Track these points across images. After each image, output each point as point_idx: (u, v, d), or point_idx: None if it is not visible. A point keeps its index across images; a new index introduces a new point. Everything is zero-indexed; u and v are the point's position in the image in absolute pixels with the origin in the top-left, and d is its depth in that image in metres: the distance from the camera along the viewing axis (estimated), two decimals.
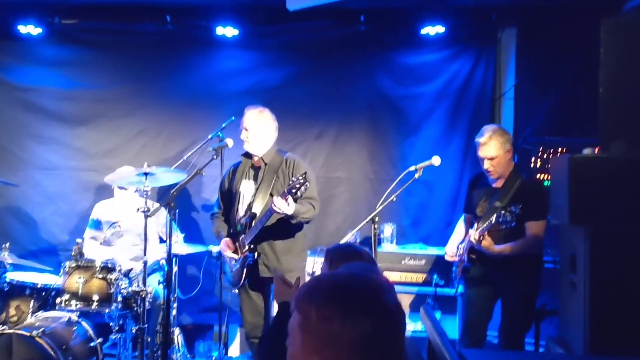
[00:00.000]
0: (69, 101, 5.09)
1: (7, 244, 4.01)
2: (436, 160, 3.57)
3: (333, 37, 4.93)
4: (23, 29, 4.85)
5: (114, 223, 4.27)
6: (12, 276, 4.00)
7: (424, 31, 4.80)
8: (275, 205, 3.35)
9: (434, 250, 4.51)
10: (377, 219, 3.56)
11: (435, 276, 4.24)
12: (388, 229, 4.70)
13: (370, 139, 5.03)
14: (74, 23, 4.91)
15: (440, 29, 4.78)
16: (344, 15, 4.76)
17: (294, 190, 3.29)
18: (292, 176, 3.51)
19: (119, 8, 4.82)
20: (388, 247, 4.63)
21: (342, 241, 3.65)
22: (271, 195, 3.61)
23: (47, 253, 4.95)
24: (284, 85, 4.97)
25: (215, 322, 4.34)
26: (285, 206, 3.35)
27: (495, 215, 3.37)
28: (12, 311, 3.93)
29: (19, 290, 3.96)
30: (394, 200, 3.54)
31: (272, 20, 4.84)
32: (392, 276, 4.36)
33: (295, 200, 3.39)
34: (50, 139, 5.09)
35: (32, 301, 3.95)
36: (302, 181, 3.26)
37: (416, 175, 3.53)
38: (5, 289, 3.95)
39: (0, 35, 4.96)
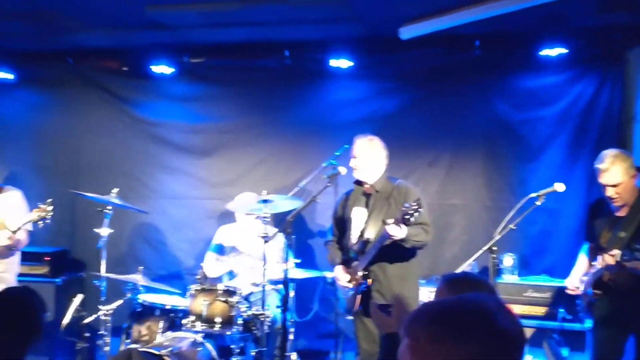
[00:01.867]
0: (195, 134, 5.45)
1: (141, 268, 4.32)
2: (560, 187, 3.39)
3: (447, 64, 4.89)
4: (156, 68, 5.27)
5: (234, 247, 4.47)
6: (144, 298, 4.28)
7: (542, 53, 4.63)
8: (388, 232, 3.35)
9: (558, 282, 4.25)
10: (495, 248, 3.42)
11: (561, 310, 3.99)
12: (508, 259, 4.51)
13: (487, 165, 4.89)
14: (201, 61, 5.26)
15: (560, 50, 4.58)
16: (458, 41, 4.71)
17: (407, 217, 3.27)
18: (404, 203, 3.49)
19: (242, 46, 5.11)
20: (508, 278, 4.44)
21: (458, 271, 3.54)
22: (383, 222, 3.62)
23: (175, 277, 5.26)
24: (397, 114, 5.00)
25: (332, 348, 4.36)
26: (398, 232, 3.34)
27: (619, 253, 3.14)
28: (143, 330, 4.20)
29: (150, 311, 4.22)
30: (513, 228, 3.39)
31: (386, 50, 4.89)
32: (512, 309, 4.15)
33: (408, 226, 3.37)
34: (178, 169, 5.46)
35: (162, 321, 4.19)
36: (415, 207, 3.24)
37: (537, 203, 3.36)
38: (138, 310, 4.24)
39: (135, 74, 5.44)
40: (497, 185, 4.86)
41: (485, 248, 3.43)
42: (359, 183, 3.90)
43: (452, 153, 4.97)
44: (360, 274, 3.66)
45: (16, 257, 4.14)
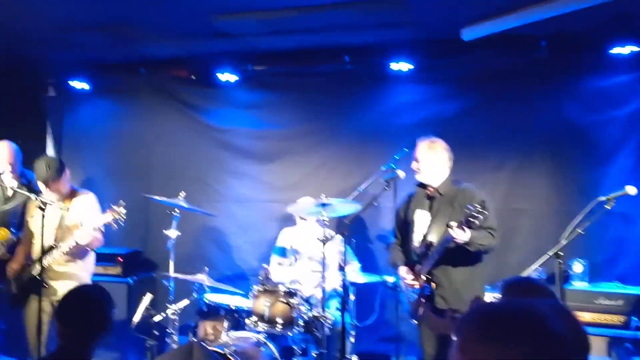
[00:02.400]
0: (259, 140, 5.59)
1: (207, 269, 4.46)
2: (631, 190, 3.24)
3: (511, 65, 4.79)
4: (222, 76, 5.45)
5: (295, 250, 4.54)
6: (210, 297, 4.43)
7: (613, 52, 4.45)
8: (452, 234, 3.31)
9: (633, 290, 4.06)
10: (562, 253, 3.31)
11: (634, 318, 3.81)
12: (578, 266, 4.35)
13: (554, 169, 4.75)
14: (264, 69, 5.40)
15: (632, 48, 4.39)
16: (522, 42, 4.60)
17: (471, 219, 3.22)
18: (467, 206, 3.45)
19: (302, 52, 5.20)
20: (578, 284, 4.28)
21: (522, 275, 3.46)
22: (447, 226, 3.57)
23: (239, 277, 5.41)
24: (459, 116, 4.93)
25: (393, 352, 4.35)
26: (462, 235, 3.29)
27: None
28: (209, 329, 4.33)
29: (215, 311, 4.35)
30: (581, 233, 3.28)
31: (447, 52, 4.84)
32: (582, 317, 4.00)
33: (472, 230, 3.32)
34: (243, 174, 5.62)
35: (226, 321, 4.32)
36: (480, 209, 3.19)
37: (607, 207, 3.24)
38: (204, 309, 4.38)
39: (202, 83, 5.64)
40: (566, 189, 4.70)
41: (550, 253, 3.33)
42: (422, 186, 3.88)
43: (518, 156, 4.85)
44: (423, 277, 3.64)
45: (91, 258, 4.36)
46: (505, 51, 4.70)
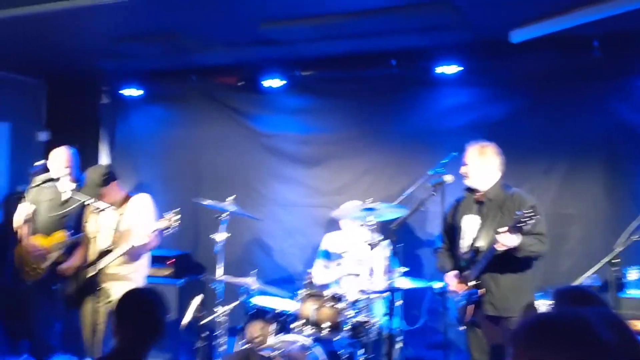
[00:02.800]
0: (305, 145, 5.64)
1: (254, 272, 4.53)
2: None
3: (561, 67, 4.68)
4: (269, 82, 5.53)
5: (340, 254, 4.55)
6: (257, 300, 4.49)
7: None
8: (500, 240, 3.26)
9: None
10: (617, 261, 3.23)
11: None
12: (634, 274, 4.20)
13: (607, 173, 4.61)
14: (310, 74, 5.46)
15: None
16: (573, 43, 4.50)
17: (520, 224, 3.17)
18: (516, 211, 3.39)
19: (349, 57, 5.23)
20: (633, 292, 4.13)
21: (577, 283, 3.39)
22: (496, 231, 3.52)
23: (285, 281, 5.45)
24: (507, 119, 4.86)
25: (440, 358, 4.30)
26: (511, 240, 3.24)
27: None
28: (256, 332, 4.39)
29: (262, 314, 4.41)
30: (638, 240, 3.18)
31: (495, 54, 4.78)
32: (637, 325, 3.86)
33: (522, 235, 3.27)
34: (289, 178, 5.68)
35: (273, 324, 4.37)
36: (530, 214, 3.14)
37: None
38: (251, 312, 4.45)
39: (250, 89, 5.74)
40: (619, 194, 4.55)
41: (605, 260, 3.26)
42: (470, 190, 3.84)
43: (569, 160, 4.73)
44: (471, 283, 3.60)
45: (145, 260, 4.48)
46: (556, 52, 4.60)
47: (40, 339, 5.21)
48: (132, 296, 2.41)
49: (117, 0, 3.73)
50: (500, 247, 3.29)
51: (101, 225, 4.07)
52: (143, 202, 4.41)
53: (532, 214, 3.15)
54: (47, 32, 4.64)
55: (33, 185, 4.42)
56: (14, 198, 5.88)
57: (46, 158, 5.14)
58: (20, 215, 4.85)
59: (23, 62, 5.78)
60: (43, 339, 5.20)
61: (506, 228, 3.29)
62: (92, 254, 4.28)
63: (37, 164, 4.94)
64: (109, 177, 4.31)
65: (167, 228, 4.02)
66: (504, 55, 4.69)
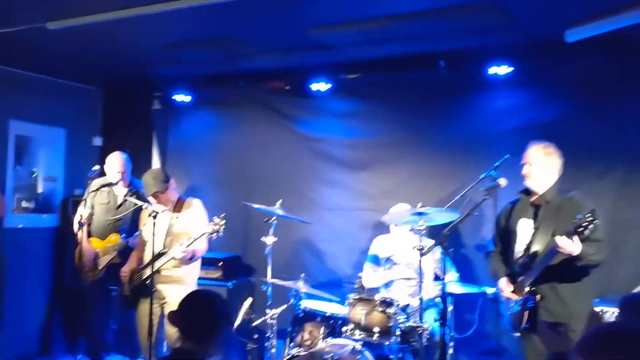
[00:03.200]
0: (352, 148, 5.64)
1: (303, 275, 4.55)
2: None
3: (617, 67, 4.54)
4: (315, 86, 5.56)
5: (389, 258, 4.52)
6: (306, 304, 4.51)
7: None
8: (559, 246, 3.18)
9: None
10: None
11: None
12: None
13: None
14: (357, 77, 5.44)
15: None
16: (631, 42, 4.35)
17: (580, 229, 3.09)
18: (576, 216, 3.30)
19: (396, 60, 5.19)
20: None
21: (636, 290, 3.27)
22: (552, 235, 3.43)
23: (334, 284, 5.46)
24: (561, 121, 4.73)
25: None
26: (571, 246, 3.15)
27: None
28: (306, 335, 4.41)
29: (312, 317, 4.42)
30: None
31: (548, 55, 4.66)
32: None
33: (582, 241, 3.18)
34: (337, 182, 5.68)
35: (322, 327, 4.37)
36: (590, 219, 3.05)
37: None
38: (301, 315, 4.47)
39: (296, 93, 5.77)
40: None
41: None
42: (526, 193, 3.75)
43: (626, 163, 4.57)
44: (526, 289, 3.52)
45: (197, 263, 4.53)
46: (612, 52, 4.46)
47: (96, 338, 5.39)
48: (195, 298, 2.45)
49: (173, 7, 3.80)
50: (562, 251, 3.20)
51: (157, 228, 4.16)
52: (195, 208, 4.49)
53: (592, 219, 3.06)
54: (104, 41, 4.79)
55: (91, 189, 4.56)
56: (71, 201, 6.11)
57: (101, 163, 5.32)
58: (79, 218, 5.03)
59: (80, 71, 5.98)
60: (99, 338, 5.37)
61: (565, 232, 3.20)
62: (147, 256, 4.39)
63: (94, 168, 5.12)
64: (166, 179, 4.40)
65: (215, 232, 4.08)
66: (558, 55, 4.58)
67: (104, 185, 5.11)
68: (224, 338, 2.38)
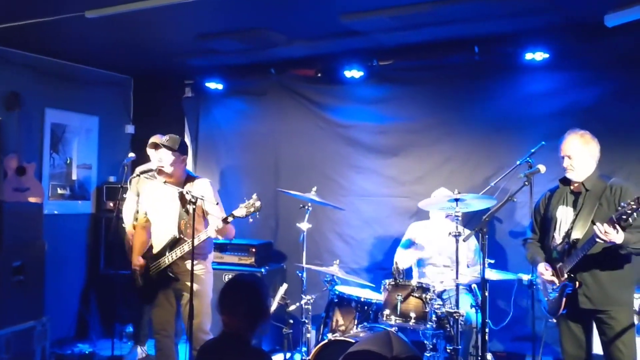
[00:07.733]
0: (383, 134, 5.61)
1: (337, 261, 4.58)
2: None
3: None
4: (347, 73, 5.54)
5: (425, 244, 4.50)
6: (340, 289, 4.54)
7: None
8: (601, 233, 3.14)
9: None
10: None
11: None
12: None
13: None
14: (389, 63, 5.41)
15: None
16: None
17: (624, 217, 3.04)
18: (618, 202, 3.25)
19: (429, 45, 5.15)
20: None
21: None
22: (593, 222, 3.39)
23: (365, 270, 5.49)
24: (599, 105, 4.65)
25: (528, 352, 4.22)
26: (613, 234, 3.12)
27: None
28: (340, 320, 4.44)
29: (346, 302, 4.43)
30: None
31: (587, 38, 4.58)
32: None
33: (623, 229, 3.14)
34: (367, 169, 5.67)
35: (357, 313, 4.40)
36: (634, 207, 3.01)
37: None
38: (335, 300, 4.50)
39: (328, 80, 5.76)
40: None
41: None
42: (565, 180, 3.71)
43: None
44: (565, 275, 3.49)
45: (210, 257, 4.28)
46: None
47: (140, 325, 5.50)
48: (237, 282, 2.49)
49: None
50: (604, 237, 3.16)
51: (165, 210, 4.08)
52: (203, 187, 4.08)
53: (637, 207, 3.01)
54: (138, 30, 4.84)
55: (134, 175, 4.50)
56: (105, 188, 6.22)
57: (133, 150, 5.37)
58: (127, 204, 5.08)
59: (113, 59, 6.06)
60: (143, 325, 5.47)
61: (606, 221, 3.16)
62: (157, 240, 4.17)
63: (129, 155, 5.18)
64: (184, 147, 4.13)
65: (250, 215, 3.80)
66: (597, 38, 4.49)
67: (146, 171, 4.69)
68: (268, 320, 2.42)
